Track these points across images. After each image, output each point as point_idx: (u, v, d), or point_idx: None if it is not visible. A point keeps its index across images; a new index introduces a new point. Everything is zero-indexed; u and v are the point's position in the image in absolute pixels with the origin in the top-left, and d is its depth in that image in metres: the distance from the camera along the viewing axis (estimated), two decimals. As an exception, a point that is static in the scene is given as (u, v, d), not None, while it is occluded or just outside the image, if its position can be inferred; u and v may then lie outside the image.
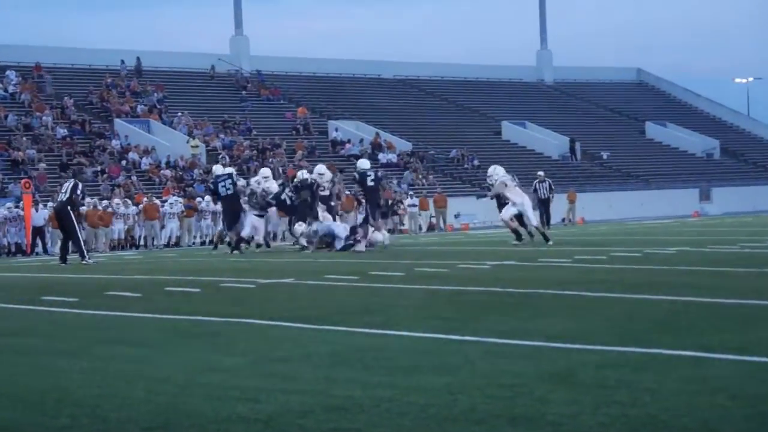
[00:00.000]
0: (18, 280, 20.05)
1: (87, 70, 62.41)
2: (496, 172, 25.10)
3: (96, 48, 65.51)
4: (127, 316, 11.36)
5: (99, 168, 48.67)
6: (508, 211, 24.60)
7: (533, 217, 25.14)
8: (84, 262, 24.55)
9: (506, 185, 24.58)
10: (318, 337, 9.15)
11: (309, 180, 26.97)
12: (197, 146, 53.16)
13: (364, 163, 28.00)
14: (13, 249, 37.43)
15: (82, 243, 25.68)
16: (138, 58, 64.10)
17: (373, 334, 9.13)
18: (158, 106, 59.18)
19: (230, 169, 30.16)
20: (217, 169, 29.73)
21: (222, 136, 57.55)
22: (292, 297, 13.20)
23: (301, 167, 37.29)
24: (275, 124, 62.01)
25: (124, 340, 9.41)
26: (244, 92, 66.02)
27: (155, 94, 60.42)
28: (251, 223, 27.05)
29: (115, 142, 52.53)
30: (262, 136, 58.25)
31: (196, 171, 50.00)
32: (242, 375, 7.31)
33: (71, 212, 25.15)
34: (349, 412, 6.01)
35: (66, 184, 25.87)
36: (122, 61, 63.37)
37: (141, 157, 51.24)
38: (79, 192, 25.42)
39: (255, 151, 55.30)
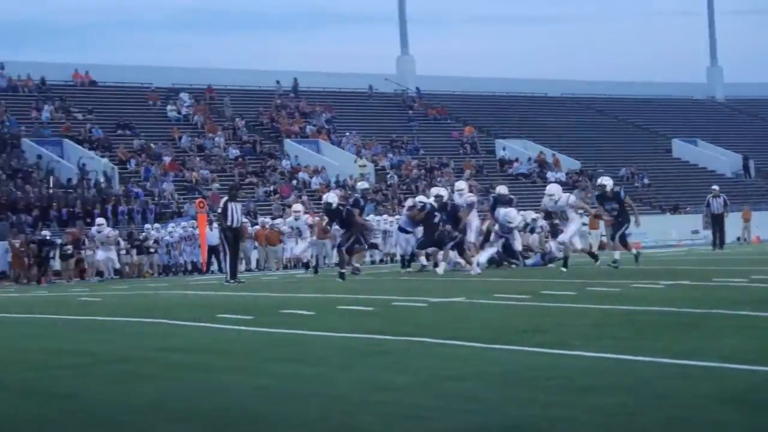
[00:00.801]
0: (194, 298, 20.46)
1: (255, 92, 63.62)
2: (559, 191, 24.48)
3: (260, 69, 66.72)
4: (302, 334, 11.48)
5: (270, 188, 49.55)
6: (576, 237, 24.61)
7: (578, 242, 25.02)
8: (227, 281, 24.68)
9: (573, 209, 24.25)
10: (489, 356, 9.12)
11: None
12: (365, 165, 53.66)
13: (441, 191, 26.39)
14: (189, 267, 38.35)
15: (233, 264, 25.43)
16: (295, 79, 65.14)
17: (545, 353, 9.06)
18: (327, 126, 59.96)
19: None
20: (329, 197, 26.99)
21: (390, 155, 57.98)
22: (463, 316, 13.19)
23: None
24: (442, 143, 62.27)
25: (299, 358, 9.51)
26: (411, 112, 66.44)
27: (324, 115, 61.23)
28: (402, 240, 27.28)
29: (285, 162, 53.44)
30: (429, 156, 58.51)
31: (365, 191, 50.41)
32: (415, 394, 7.31)
33: (221, 231, 25.45)
34: (524, 432, 5.99)
35: None
36: (277, 82, 64.44)
37: (311, 177, 51.97)
38: (219, 210, 25.46)
39: (423, 171, 55.56)
